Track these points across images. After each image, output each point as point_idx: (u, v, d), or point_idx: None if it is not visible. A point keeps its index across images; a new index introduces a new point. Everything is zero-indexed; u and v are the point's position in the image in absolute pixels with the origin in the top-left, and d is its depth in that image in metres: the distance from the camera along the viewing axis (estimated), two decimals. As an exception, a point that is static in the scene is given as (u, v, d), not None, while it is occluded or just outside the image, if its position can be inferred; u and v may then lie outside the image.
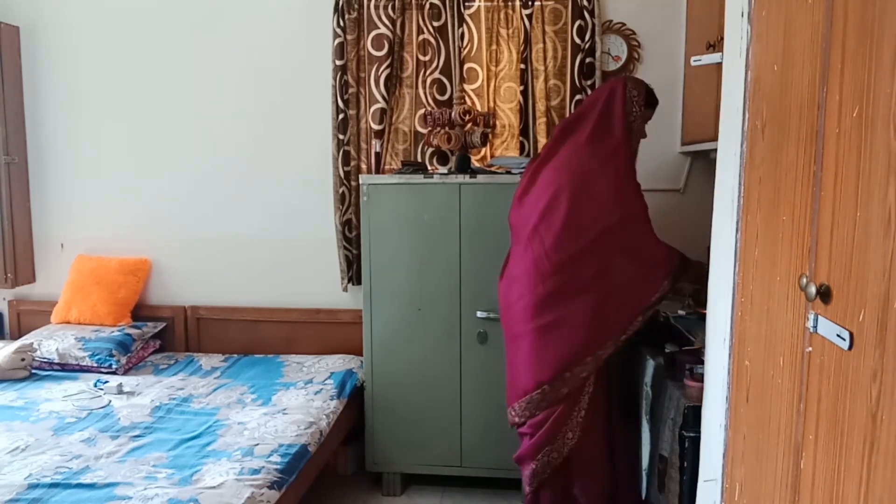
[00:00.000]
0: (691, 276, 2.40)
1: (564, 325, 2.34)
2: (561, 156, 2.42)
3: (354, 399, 2.97)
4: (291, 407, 2.69)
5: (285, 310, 3.40)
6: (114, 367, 3.08)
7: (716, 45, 2.54)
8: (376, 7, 3.13)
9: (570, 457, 2.44)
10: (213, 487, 2.05)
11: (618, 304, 2.32)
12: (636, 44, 3.14)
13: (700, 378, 1.99)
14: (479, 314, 2.80)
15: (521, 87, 3.13)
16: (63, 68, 3.49)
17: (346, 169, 3.22)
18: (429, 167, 3.03)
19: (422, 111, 3.13)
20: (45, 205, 3.57)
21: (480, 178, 2.78)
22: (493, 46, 3.14)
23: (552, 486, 2.48)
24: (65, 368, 3.13)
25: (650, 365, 2.58)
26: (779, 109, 1.40)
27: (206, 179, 3.43)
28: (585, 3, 3.04)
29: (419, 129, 3.16)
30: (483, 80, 3.17)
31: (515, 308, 2.42)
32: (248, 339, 3.43)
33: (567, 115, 3.10)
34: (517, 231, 2.48)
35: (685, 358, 2.24)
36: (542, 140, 3.11)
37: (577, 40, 3.06)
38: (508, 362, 2.52)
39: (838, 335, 1.10)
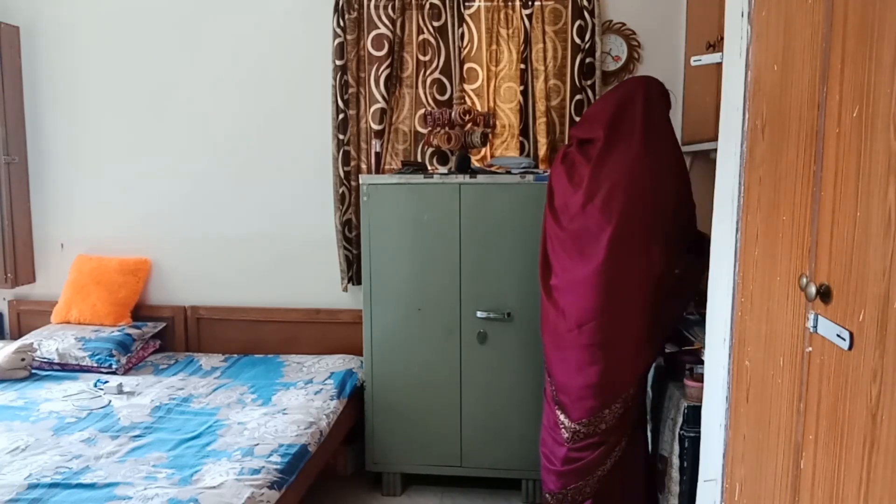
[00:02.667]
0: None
1: (619, 348, 2.31)
2: (618, 162, 2.31)
3: (354, 399, 2.97)
4: (291, 407, 2.69)
5: (285, 310, 3.40)
6: (114, 367, 3.08)
7: (716, 45, 2.54)
8: (376, 7, 3.13)
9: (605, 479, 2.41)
10: (213, 487, 2.05)
11: (656, 333, 2.35)
12: (636, 44, 3.13)
13: (700, 378, 1.99)
14: (479, 314, 2.80)
15: (521, 87, 3.13)
16: (63, 68, 3.49)
17: (346, 169, 3.22)
18: (429, 167, 3.03)
19: (422, 111, 3.13)
20: (45, 205, 3.57)
21: (480, 178, 2.78)
22: (493, 46, 3.14)
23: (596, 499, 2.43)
24: (65, 368, 3.13)
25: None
26: (779, 109, 1.40)
27: (206, 179, 3.43)
28: (585, 3, 3.04)
29: (419, 129, 3.16)
30: (483, 80, 3.16)
31: (573, 318, 2.34)
32: (248, 339, 3.42)
33: (567, 115, 3.09)
34: (569, 231, 2.38)
35: (685, 358, 2.24)
36: (542, 140, 3.11)
37: (577, 40, 3.06)
38: (563, 371, 2.41)
39: (838, 335, 1.10)
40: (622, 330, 2.30)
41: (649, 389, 2.57)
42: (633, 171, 2.28)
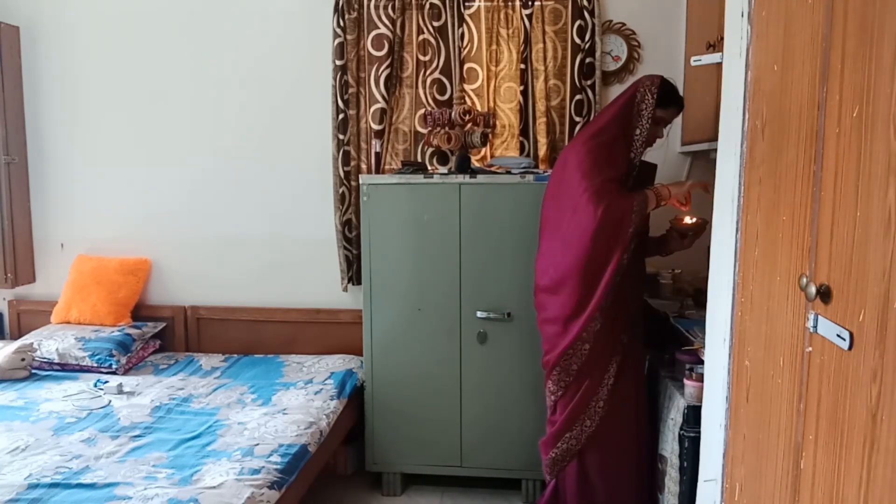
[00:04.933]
0: (651, 202, 2.37)
1: (562, 289, 2.41)
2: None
3: (354, 399, 2.97)
4: (291, 407, 2.69)
5: (285, 310, 3.40)
6: (114, 367, 3.08)
7: (716, 45, 2.54)
8: (376, 7, 3.13)
9: (589, 444, 2.45)
10: (213, 487, 2.05)
11: (599, 259, 2.33)
12: (636, 44, 3.14)
13: (700, 378, 1.99)
14: (479, 314, 2.80)
15: (521, 87, 3.13)
16: (63, 68, 3.49)
17: (346, 169, 3.22)
18: (429, 167, 3.03)
19: (422, 111, 3.13)
20: (45, 205, 3.57)
21: (480, 178, 2.78)
22: (493, 46, 3.14)
23: (573, 474, 2.49)
24: (65, 368, 3.13)
25: (648, 361, 2.58)
26: (779, 109, 1.40)
27: (206, 179, 3.43)
28: (585, 3, 3.04)
29: (419, 129, 3.16)
30: (483, 80, 3.16)
31: (542, 288, 2.52)
32: (248, 339, 3.42)
33: (567, 115, 3.11)
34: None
35: (685, 358, 2.24)
36: (542, 140, 3.11)
37: (577, 40, 3.06)
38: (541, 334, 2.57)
39: (838, 335, 1.10)
40: (557, 295, 2.44)
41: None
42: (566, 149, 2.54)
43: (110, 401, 2.77)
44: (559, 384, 2.44)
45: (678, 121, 3.06)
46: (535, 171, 2.84)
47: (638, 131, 2.40)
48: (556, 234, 2.44)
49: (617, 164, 2.38)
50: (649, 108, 2.38)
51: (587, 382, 2.41)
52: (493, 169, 2.90)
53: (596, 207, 2.28)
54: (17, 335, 3.53)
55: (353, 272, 3.29)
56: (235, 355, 3.35)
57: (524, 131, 3.15)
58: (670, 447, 2.27)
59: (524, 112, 3.14)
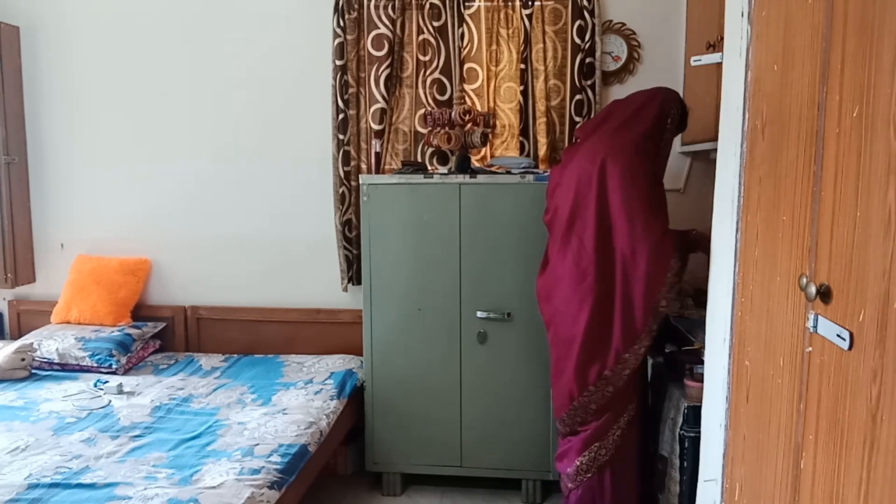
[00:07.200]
0: (693, 246, 2.36)
1: (604, 325, 2.34)
2: (587, 146, 2.44)
3: (354, 399, 2.97)
4: (291, 407, 2.69)
5: (285, 310, 3.40)
6: (114, 367, 3.08)
7: (716, 45, 2.54)
8: (376, 7, 3.13)
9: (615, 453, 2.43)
10: (213, 487, 2.05)
11: (638, 294, 2.30)
12: (636, 44, 3.13)
13: (700, 378, 2.00)
14: (479, 314, 2.80)
15: (521, 87, 3.13)
16: (63, 68, 3.49)
17: (346, 169, 3.22)
18: (429, 167, 3.03)
19: (422, 111, 3.13)
20: (45, 205, 3.57)
21: (480, 178, 2.78)
22: (493, 46, 3.14)
23: (591, 482, 2.45)
24: (65, 368, 3.13)
25: (650, 365, 2.58)
26: (779, 109, 1.40)
27: (206, 179, 3.43)
28: (585, 3, 3.04)
29: (419, 129, 3.16)
30: (483, 80, 3.16)
31: (563, 310, 2.42)
32: (248, 339, 3.42)
33: (567, 115, 3.10)
34: (552, 228, 2.50)
35: (685, 358, 2.24)
36: (542, 140, 3.11)
37: (577, 40, 3.06)
38: (555, 367, 2.47)
39: (838, 335, 1.10)
40: (565, 319, 2.41)
41: (649, 390, 2.57)
42: (594, 154, 2.37)
43: (110, 401, 2.77)
44: (572, 423, 2.43)
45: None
46: (535, 171, 2.84)
47: (663, 146, 2.44)
48: (580, 260, 2.36)
49: (660, 190, 2.38)
50: (673, 127, 2.44)
51: (610, 413, 2.38)
52: (493, 169, 2.90)
53: (653, 254, 2.26)
54: (17, 335, 3.53)
55: (353, 272, 3.29)
56: (235, 355, 3.35)
57: (524, 131, 3.15)
58: (670, 447, 2.27)
59: (524, 112, 3.14)
